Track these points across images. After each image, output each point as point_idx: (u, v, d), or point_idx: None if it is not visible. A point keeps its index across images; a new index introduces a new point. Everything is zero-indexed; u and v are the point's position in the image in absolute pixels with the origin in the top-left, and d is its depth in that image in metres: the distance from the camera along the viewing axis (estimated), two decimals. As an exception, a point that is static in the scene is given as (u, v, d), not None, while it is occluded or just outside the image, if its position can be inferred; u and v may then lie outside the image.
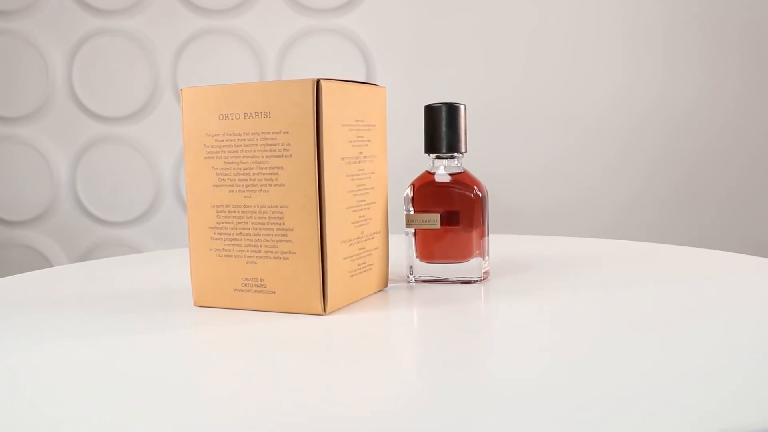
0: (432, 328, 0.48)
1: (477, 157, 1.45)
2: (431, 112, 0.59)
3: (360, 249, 0.53)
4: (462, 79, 1.48)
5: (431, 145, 0.59)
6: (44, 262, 1.51)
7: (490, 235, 0.61)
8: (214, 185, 0.52)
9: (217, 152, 0.52)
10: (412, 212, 0.58)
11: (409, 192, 0.59)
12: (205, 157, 0.52)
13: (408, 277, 0.59)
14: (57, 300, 0.58)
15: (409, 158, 1.44)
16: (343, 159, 0.51)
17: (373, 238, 0.55)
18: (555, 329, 0.46)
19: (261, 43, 1.47)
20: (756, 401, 0.32)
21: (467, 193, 0.57)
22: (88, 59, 1.48)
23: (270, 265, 0.51)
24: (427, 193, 0.58)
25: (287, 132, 0.49)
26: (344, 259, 0.51)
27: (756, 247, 1.48)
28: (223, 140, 0.52)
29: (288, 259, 0.50)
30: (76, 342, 0.45)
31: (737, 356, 0.40)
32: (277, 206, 0.50)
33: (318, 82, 0.48)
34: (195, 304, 0.54)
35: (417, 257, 0.59)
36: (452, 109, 0.58)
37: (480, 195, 0.57)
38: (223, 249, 0.52)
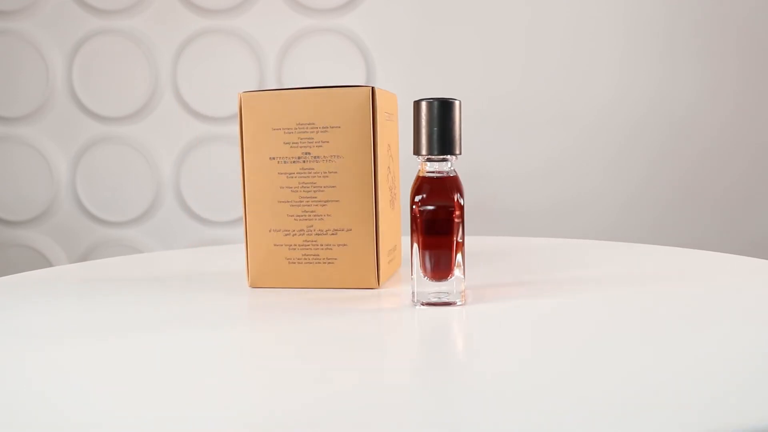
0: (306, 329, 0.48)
1: (476, 157, 1.45)
2: (421, 108, 0.51)
3: (306, 241, 0.58)
4: (462, 79, 1.48)
5: (419, 146, 0.51)
6: (44, 262, 1.51)
7: (462, 254, 0.51)
8: None
9: None
10: None
11: None
12: None
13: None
14: (57, 299, 0.58)
15: (409, 158, 1.44)
16: (273, 159, 0.58)
17: (335, 234, 0.58)
18: (547, 331, 0.46)
19: (261, 43, 1.47)
20: (754, 402, 0.33)
21: (415, 204, 0.51)
22: (88, 59, 1.48)
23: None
24: (414, 197, 0.52)
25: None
26: (276, 245, 0.59)
27: (756, 247, 1.48)
28: None
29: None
30: (77, 339, 0.45)
31: (735, 358, 0.40)
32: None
33: (240, 96, 0.58)
34: None
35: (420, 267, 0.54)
36: (444, 106, 0.50)
37: (429, 209, 0.50)
38: None
